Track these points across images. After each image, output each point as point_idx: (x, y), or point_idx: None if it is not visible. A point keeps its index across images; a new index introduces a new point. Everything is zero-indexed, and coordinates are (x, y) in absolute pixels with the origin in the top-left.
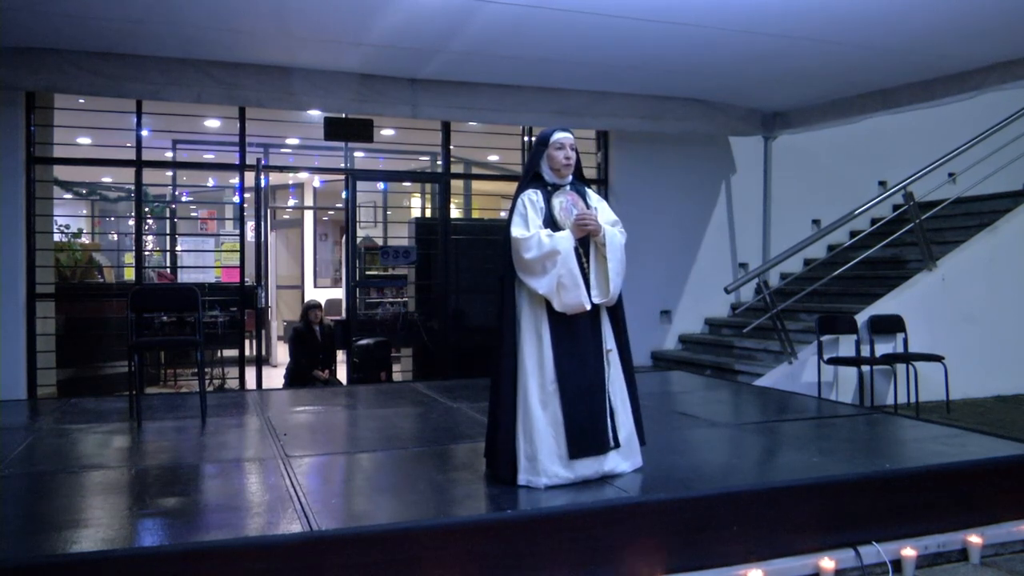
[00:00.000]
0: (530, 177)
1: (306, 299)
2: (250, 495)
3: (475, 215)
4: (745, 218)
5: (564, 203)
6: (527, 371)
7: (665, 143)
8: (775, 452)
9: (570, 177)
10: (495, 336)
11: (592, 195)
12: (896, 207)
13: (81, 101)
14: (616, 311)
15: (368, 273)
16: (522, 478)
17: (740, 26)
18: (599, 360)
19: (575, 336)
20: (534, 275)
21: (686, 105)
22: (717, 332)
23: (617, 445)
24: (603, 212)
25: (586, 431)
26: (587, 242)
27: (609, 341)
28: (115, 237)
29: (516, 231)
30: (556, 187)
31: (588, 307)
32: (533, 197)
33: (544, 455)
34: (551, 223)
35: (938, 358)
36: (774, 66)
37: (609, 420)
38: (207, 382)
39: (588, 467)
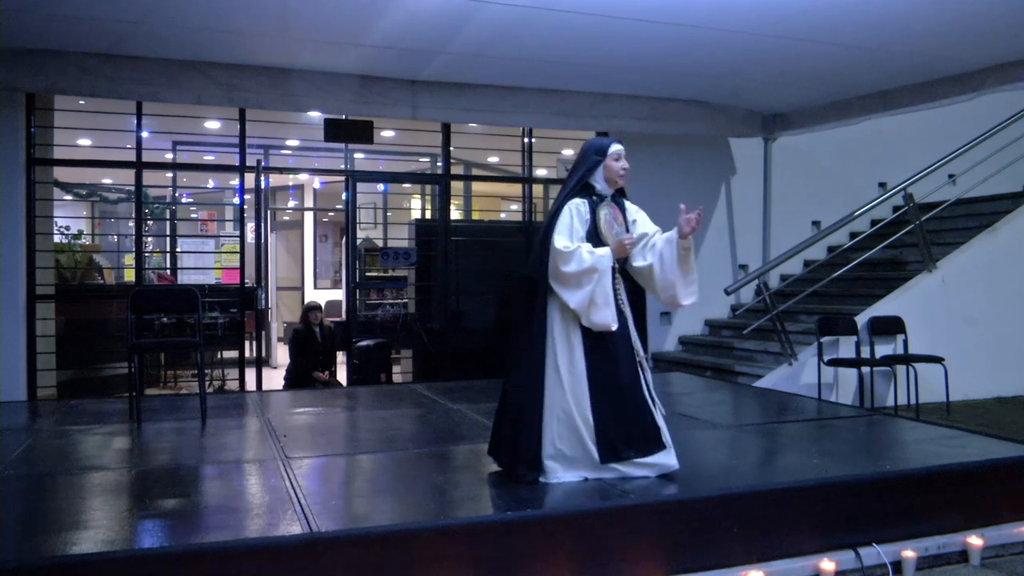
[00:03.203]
0: (580, 186)
1: (306, 300)
2: (250, 496)
3: (475, 216)
4: (745, 219)
5: (607, 215)
6: (559, 373)
7: (665, 144)
8: (775, 453)
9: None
10: (516, 334)
11: (630, 206)
12: (896, 208)
13: (81, 102)
14: (640, 321)
15: (368, 274)
16: (548, 478)
17: (740, 27)
18: (632, 364)
19: (607, 341)
20: (568, 288)
21: (686, 106)
22: (717, 333)
23: (664, 447)
24: (644, 222)
25: (619, 433)
26: (621, 260)
27: (640, 350)
28: (115, 238)
29: (559, 241)
30: (601, 198)
31: (614, 327)
32: (582, 208)
33: (571, 456)
34: (594, 235)
35: (938, 359)
36: (774, 67)
37: (653, 422)
38: (207, 384)
39: (617, 469)
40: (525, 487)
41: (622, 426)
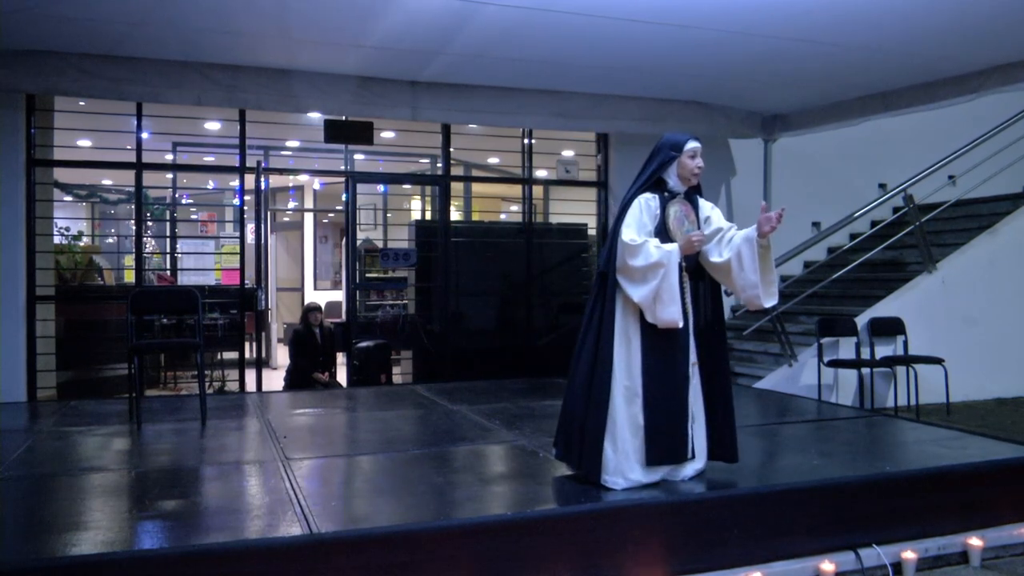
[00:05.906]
0: (652, 181)
1: (306, 301)
2: (250, 497)
3: (475, 218)
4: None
5: (678, 212)
6: (615, 372)
7: None
8: (775, 455)
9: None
10: (582, 332)
11: (704, 203)
12: (896, 209)
13: (81, 103)
14: (718, 325)
15: (368, 275)
16: (606, 479)
17: (740, 28)
18: (685, 370)
19: (664, 343)
20: (634, 282)
21: (686, 107)
22: None
23: (693, 456)
24: (718, 219)
25: (665, 439)
26: (691, 259)
27: (694, 354)
28: (115, 239)
29: (627, 234)
30: (673, 195)
31: (681, 324)
32: (651, 203)
33: (624, 457)
34: (663, 231)
35: (938, 360)
36: (774, 68)
37: (689, 431)
38: (207, 384)
39: (661, 473)
40: (531, 487)
41: (666, 433)
